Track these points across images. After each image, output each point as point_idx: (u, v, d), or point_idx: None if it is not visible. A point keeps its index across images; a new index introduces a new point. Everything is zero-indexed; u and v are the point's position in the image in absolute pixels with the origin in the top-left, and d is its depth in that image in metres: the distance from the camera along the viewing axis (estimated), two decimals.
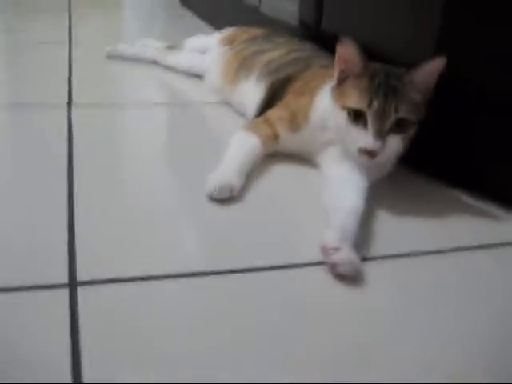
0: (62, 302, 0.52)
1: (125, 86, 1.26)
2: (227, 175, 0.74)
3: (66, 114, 1.01)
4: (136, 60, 1.36)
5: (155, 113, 1.08)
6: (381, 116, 0.69)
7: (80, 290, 0.54)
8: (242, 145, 0.81)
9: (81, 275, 0.56)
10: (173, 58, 1.30)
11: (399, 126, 0.70)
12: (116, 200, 0.72)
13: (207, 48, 1.21)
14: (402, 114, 0.69)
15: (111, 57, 1.38)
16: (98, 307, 0.52)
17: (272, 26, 1.23)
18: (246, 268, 0.60)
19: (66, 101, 1.08)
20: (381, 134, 0.69)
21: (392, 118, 0.69)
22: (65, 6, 2.16)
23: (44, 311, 0.51)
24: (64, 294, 0.53)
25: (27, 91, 1.14)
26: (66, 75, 1.24)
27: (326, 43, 0.95)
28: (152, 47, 1.38)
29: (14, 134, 0.94)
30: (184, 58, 1.27)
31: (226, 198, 0.72)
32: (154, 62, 1.35)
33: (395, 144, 0.71)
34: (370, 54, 0.73)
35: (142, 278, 0.57)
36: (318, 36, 1.06)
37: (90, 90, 1.17)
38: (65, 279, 0.55)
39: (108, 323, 0.50)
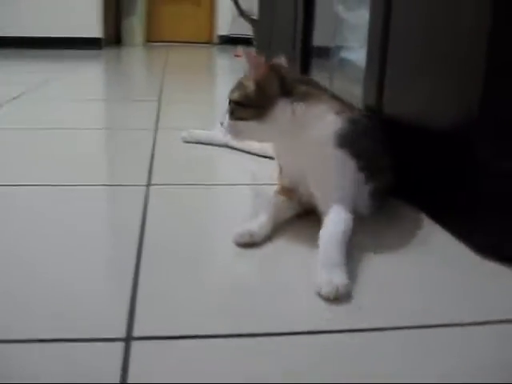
0: (115, 355, 0.58)
1: (203, 167, 1.36)
2: (249, 224, 0.87)
3: (144, 193, 1.11)
4: (210, 144, 1.48)
5: (231, 191, 1.16)
6: None
7: (134, 345, 0.60)
8: (269, 201, 0.95)
9: (137, 331, 0.62)
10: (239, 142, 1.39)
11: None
12: (181, 269, 0.79)
13: None
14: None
15: (187, 142, 1.50)
16: (150, 363, 0.58)
17: None
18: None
19: (145, 182, 1.18)
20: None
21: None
22: (156, 94, 2.34)
23: (97, 363, 0.57)
24: (119, 347, 0.59)
25: (110, 171, 1.27)
26: (149, 159, 1.36)
27: (387, 126, 1.01)
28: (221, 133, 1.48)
29: (94, 207, 1.04)
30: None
31: (246, 242, 0.85)
32: (226, 146, 1.45)
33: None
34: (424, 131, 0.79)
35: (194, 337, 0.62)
36: (380, 120, 1.11)
37: (169, 171, 1.27)
38: (121, 334, 0.62)
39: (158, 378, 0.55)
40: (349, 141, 0.87)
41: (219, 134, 1.46)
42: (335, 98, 0.93)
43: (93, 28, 4.66)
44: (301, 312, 0.69)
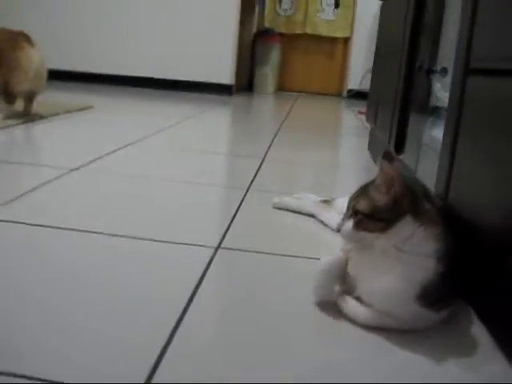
0: None
1: (281, 236, 1.39)
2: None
3: (211, 254, 1.17)
4: (299, 212, 1.51)
5: (305, 265, 1.18)
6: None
7: None
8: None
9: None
10: (326, 216, 1.42)
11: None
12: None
13: None
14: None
15: (277, 208, 1.54)
16: None
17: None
18: None
19: (216, 244, 1.23)
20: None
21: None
22: (264, 150, 2.42)
23: None
24: None
25: (186, 228, 1.33)
26: (229, 218, 1.42)
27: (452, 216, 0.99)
28: (310, 201, 1.51)
29: (156, 263, 1.11)
30: (331, 218, 1.38)
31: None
32: (313, 216, 1.47)
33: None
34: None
35: None
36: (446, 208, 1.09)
37: (245, 236, 1.32)
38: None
39: None
40: (433, 295, 0.86)
41: (309, 203, 1.51)
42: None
43: (226, 75, 4.90)
44: None
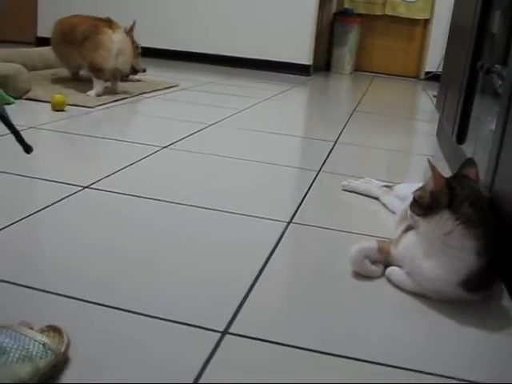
0: None
1: (348, 215, 1.53)
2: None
3: (283, 228, 1.33)
4: (366, 195, 1.64)
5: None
6: None
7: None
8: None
9: None
10: (387, 199, 1.56)
11: None
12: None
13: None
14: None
15: (346, 190, 1.68)
16: None
17: None
18: None
19: (288, 219, 1.39)
20: None
21: None
22: (337, 133, 2.54)
23: None
24: None
25: (260, 203, 1.50)
26: (301, 197, 1.58)
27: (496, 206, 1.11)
28: (375, 185, 1.64)
29: (234, 232, 1.28)
30: (390, 202, 1.54)
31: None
32: (377, 199, 1.61)
33: None
34: None
35: None
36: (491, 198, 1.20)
37: (315, 213, 1.47)
38: None
39: None
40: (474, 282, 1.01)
41: (373, 187, 1.64)
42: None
43: (304, 55, 5.01)
44: None
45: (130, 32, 2.99)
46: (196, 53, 5.09)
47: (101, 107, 2.64)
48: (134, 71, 3.38)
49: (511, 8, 1.22)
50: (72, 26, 2.96)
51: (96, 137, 2.08)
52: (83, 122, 2.36)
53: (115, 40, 2.83)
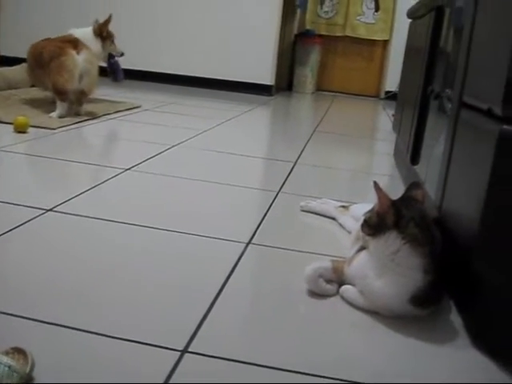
0: None
1: (306, 235, 1.58)
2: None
3: (242, 249, 1.37)
4: (324, 215, 1.70)
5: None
6: None
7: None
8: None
9: None
10: (343, 219, 1.63)
11: None
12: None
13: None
14: None
15: (304, 211, 1.74)
16: None
17: None
18: None
19: (247, 240, 1.44)
20: None
21: None
22: (297, 153, 2.61)
23: None
24: None
25: (218, 225, 1.54)
26: (260, 218, 1.62)
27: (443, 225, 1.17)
28: (332, 206, 1.71)
29: (191, 254, 1.32)
30: (346, 222, 1.60)
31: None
32: (333, 219, 1.67)
33: None
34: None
35: None
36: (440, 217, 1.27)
37: (274, 234, 1.52)
38: None
39: None
40: (422, 298, 1.06)
41: (330, 208, 1.70)
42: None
43: (266, 76, 5.09)
44: None
45: (105, 25, 3.27)
46: (158, 73, 5.13)
47: (64, 129, 2.66)
48: (111, 56, 3.48)
49: (461, 31, 1.29)
50: (41, 48, 2.99)
51: (58, 159, 2.10)
52: (46, 143, 2.37)
53: (79, 61, 2.86)
